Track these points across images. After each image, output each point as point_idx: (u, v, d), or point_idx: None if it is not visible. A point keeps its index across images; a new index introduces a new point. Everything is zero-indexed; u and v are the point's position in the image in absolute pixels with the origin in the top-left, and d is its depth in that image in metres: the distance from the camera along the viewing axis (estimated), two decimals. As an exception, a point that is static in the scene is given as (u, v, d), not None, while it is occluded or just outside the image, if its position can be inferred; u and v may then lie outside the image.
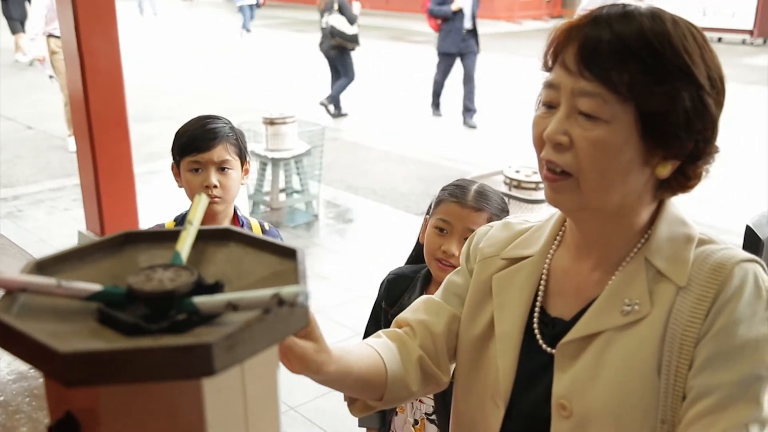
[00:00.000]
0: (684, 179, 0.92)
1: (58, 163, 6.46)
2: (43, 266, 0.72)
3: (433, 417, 1.76)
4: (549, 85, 0.91)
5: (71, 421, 0.64)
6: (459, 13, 7.89)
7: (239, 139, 1.90)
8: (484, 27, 16.65)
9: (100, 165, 3.99)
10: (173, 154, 1.89)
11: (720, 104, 0.90)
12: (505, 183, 3.60)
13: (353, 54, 8.51)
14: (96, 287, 0.66)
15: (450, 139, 7.77)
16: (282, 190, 5.21)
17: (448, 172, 6.08)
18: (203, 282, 0.69)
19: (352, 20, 8.29)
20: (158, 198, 5.35)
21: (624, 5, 0.89)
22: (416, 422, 1.79)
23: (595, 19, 0.88)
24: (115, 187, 4.08)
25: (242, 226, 1.94)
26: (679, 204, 0.98)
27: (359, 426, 1.94)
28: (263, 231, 1.99)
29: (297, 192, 5.26)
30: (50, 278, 0.66)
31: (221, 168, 1.83)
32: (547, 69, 0.93)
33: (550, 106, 0.91)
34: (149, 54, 12.71)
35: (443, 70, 8.35)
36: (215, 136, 1.82)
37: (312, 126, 5.35)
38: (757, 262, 0.90)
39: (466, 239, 1.63)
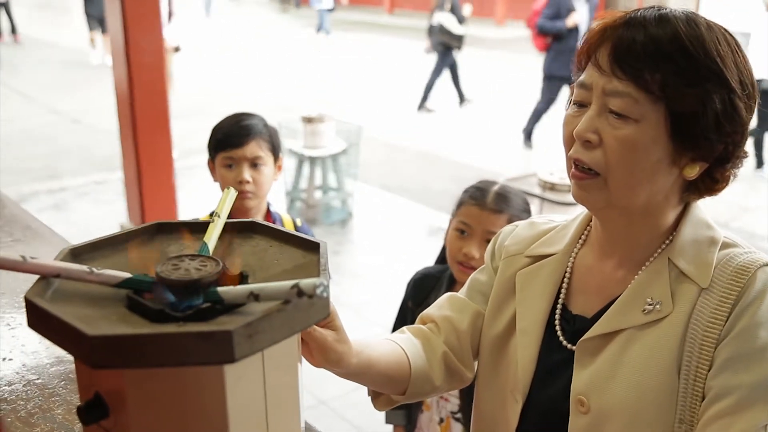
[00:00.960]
0: (711, 182, 0.92)
1: (103, 157, 6.63)
2: (77, 253, 0.75)
3: (459, 415, 1.76)
4: (581, 85, 0.92)
5: (100, 403, 0.67)
6: (574, 30, 6.76)
7: (272, 135, 1.94)
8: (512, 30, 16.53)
9: (143, 160, 4.09)
10: (209, 150, 1.94)
11: (751, 109, 0.89)
12: (539, 185, 3.57)
13: (456, 53, 8.81)
14: (125, 275, 0.69)
15: (485, 140, 7.74)
16: (318, 188, 5.26)
17: (482, 173, 6.06)
18: (228, 272, 0.71)
19: (461, 20, 8.56)
20: (197, 192, 5.44)
21: (659, 8, 0.89)
22: (442, 420, 1.80)
23: (629, 20, 0.88)
24: (156, 181, 4.18)
25: (274, 221, 1.97)
26: (704, 207, 0.97)
27: (386, 423, 1.96)
28: (296, 227, 2.03)
29: (333, 189, 5.31)
30: (83, 265, 0.69)
31: (254, 164, 1.87)
32: (580, 69, 0.94)
33: (581, 105, 0.92)
34: (197, 52, 12.93)
35: (548, 98, 7.08)
36: (248, 132, 1.87)
37: (349, 125, 5.39)
38: None
39: (487, 241, 1.63)
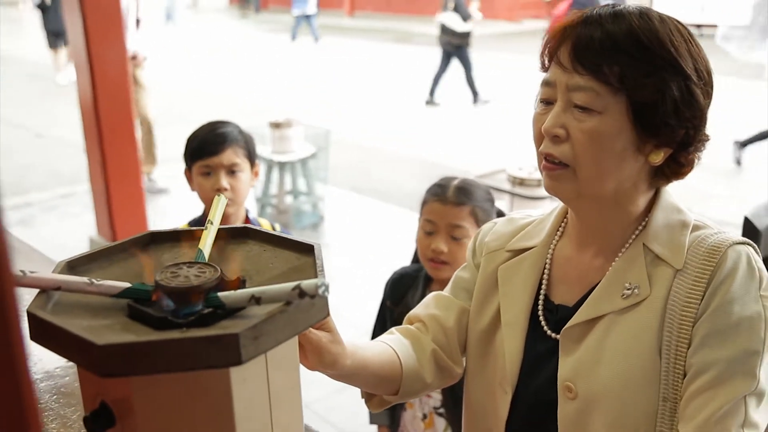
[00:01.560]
0: (677, 166, 0.96)
1: (69, 171, 6.52)
2: (73, 266, 0.76)
3: (442, 411, 1.79)
4: (546, 83, 0.96)
5: (106, 411, 0.68)
6: None
7: (248, 142, 1.95)
8: (485, 27, 16.66)
9: (110, 172, 4.04)
10: (185, 159, 1.94)
11: (708, 94, 0.94)
12: (509, 181, 3.63)
13: (468, 51, 9.00)
14: (125, 284, 0.70)
15: (453, 138, 7.80)
16: (288, 193, 5.25)
17: (451, 171, 6.11)
18: (226, 278, 0.73)
19: (465, 18, 8.76)
20: (167, 202, 5.39)
21: (614, 5, 0.94)
22: (425, 416, 1.83)
23: (586, 19, 0.92)
24: (124, 193, 4.13)
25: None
26: (674, 192, 1.02)
27: (370, 423, 1.98)
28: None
29: (303, 194, 5.31)
30: (82, 277, 0.70)
31: (231, 171, 1.88)
32: (544, 69, 0.98)
33: (547, 102, 0.96)
34: (161, 60, 12.79)
35: None
36: (224, 140, 1.88)
37: (318, 129, 5.39)
38: (749, 244, 0.94)
39: (452, 236, 1.68)
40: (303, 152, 5.08)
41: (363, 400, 1.14)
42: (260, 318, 0.64)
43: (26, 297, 0.70)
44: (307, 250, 0.78)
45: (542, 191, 3.66)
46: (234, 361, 0.61)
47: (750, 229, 2.07)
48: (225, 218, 1.89)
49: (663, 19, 0.92)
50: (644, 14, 0.92)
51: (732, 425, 0.87)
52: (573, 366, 0.98)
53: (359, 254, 4.78)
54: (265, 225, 2.04)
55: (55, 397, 1.07)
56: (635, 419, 0.93)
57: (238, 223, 1.95)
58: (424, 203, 1.76)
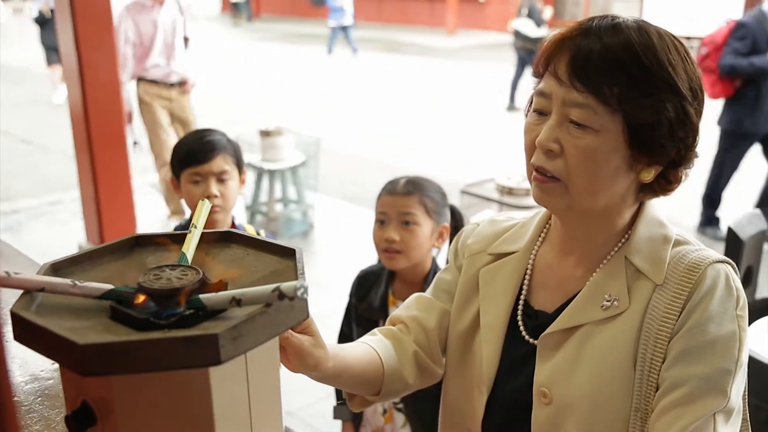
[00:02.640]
0: (665, 183, 0.97)
1: (57, 177, 6.51)
2: (57, 268, 0.77)
3: (401, 406, 1.84)
4: (540, 94, 0.95)
5: (87, 410, 0.69)
6: None
7: (236, 149, 1.98)
8: (474, 38, 16.71)
9: (100, 179, 4.05)
10: (172, 168, 1.96)
11: (700, 113, 0.95)
12: (497, 190, 3.65)
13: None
14: (108, 286, 0.71)
15: (443, 147, 7.84)
16: (279, 201, 5.26)
17: (440, 181, 6.14)
18: (208, 281, 0.74)
19: (539, 23, 9.10)
20: (156, 210, 5.39)
21: (612, 17, 0.93)
22: (385, 411, 1.88)
23: (585, 30, 0.92)
24: (114, 200, 4.13)
25: None
26: (657, 206, 1.03)
27: (334, 418, 2.01)
28: None
29: (293, 202, 5.32)
30: (65, 279, 0.71)
31: (220, 179, 1.91)
32: (538, 76, 0.97)
33: (540, 113, 0.95)
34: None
35: (732, 163, 4.94)
36: (213, 147, 1.90)
37: (308, 137, 5.41)
38: (728, 263, 0.95)
39: (403, 222, 1.77)
40: (293, 160, 5.09)
41: (342, 400, 1.15)
42: (240, 319, 0.65)
43: (11, 298, 0.71)
44: (288, 254, 0.80)
45: (530, 201, 3.70)
46: (213, 361, 0.63)
47: (733, 239, 2.11)
48: (213, 224, 1.91)
49: (661, 34, 0.92)
50: (642, 29, 0.91)
51: None
52: (549, 372, 0.99)
53: (348, 262, 4.79)
54: (249, 231, 2.06)
55: (39, 399, 1.07)
56: (607, 427, 0.95)
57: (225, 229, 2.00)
58: (378, 199, 1.85)
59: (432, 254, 1.86)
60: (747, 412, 1.01)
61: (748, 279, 2.01)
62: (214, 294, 0.69)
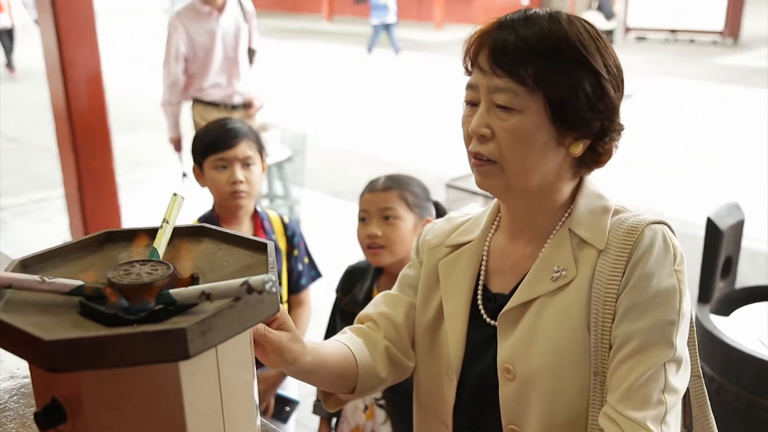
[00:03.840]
0: (596, 155, 1.03)
1: (42, 175, 6.46)
2: (27, 264, 0.77)
3: (382, 402, 1.85)
4: (469, 86, 1.02)
5: (57, 407, 0.68)
6: None
7: (257, 137, 2.02)
8: (461, 32, 16.72)
9: (84, 175, 4.02)
10: (194, 157, 1.99)
11: (618, 88, 1.01)
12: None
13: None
14: (77, 282, 0.71)
15: (430, 143, 7.84)
16: (265, 196, 5.25)
17: (428, 176, 6.15)
18: (179, 275, 0.74)
19: (608, 16, 8.99)
20: (143, 206, 5.36)
21: (526, 10, 1.00)
22: (366, 408, 1.89)
23: (500, 24, 0.98)
24: (98, 197, 4.11)
25: (261, 219, 2.06)
26: (598, 181, 1.08)
27: (312, 413, 2.01)
28: (283, 223, 2.11)
29: (280, 197, 5.30)
30: (34, 275, 0.71)
31: (245, 164, 1.94)
32: (468, 73, 1.03)
33: (472, 104, 1.02)
34: (135, 65, 12.70)
35: None
36: (237, 134, 1.94)
37: (294, 132, 5.40)
38: (664, 223, 1.00)
39: (384, 217, 1.78)
40: (279, 156, 5.08)
41: (320, 400, 1.17)
42: (208, 313, 0.65)
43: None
44: (260, 248, 0.80)
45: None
46: (182, 355, 0.63)
47: (713, 230, 2.12)
48: (238, 210, 1.96)
49: (571, 20, 0.99)
50: (553, 17, 0.98)
51: (653, 390, 0.93)
52: (510, 348, 1.03)
53: (335, 258, 4.78)
54: (272, 217, 2.10)
55: (15, 397, 1.07)
56: (570, 394, 0.99)
57: (247, 217, 2.05)
58: (360, 198, 1.86)
59: None
60: (700, 369, 1.08)
61: (728, 269, 2.03)
62: (183, 289, 0.69)
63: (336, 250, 4.92)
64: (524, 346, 1.02)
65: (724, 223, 1.97)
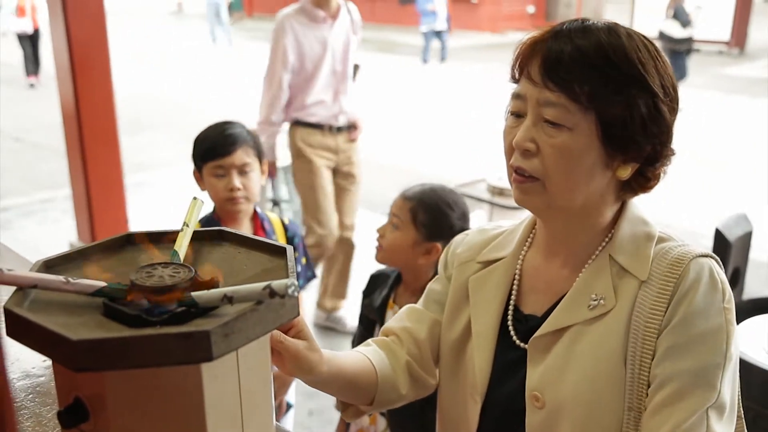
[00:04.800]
0: (644, 180, 0.98)
1: (47, 175, 6.48)
2: (50, 265, 0.78)
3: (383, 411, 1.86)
4: (516, 96, 0.97)
5: (80, 406, 0.69)
6: None
7: (256, 141, 2.02)
8: (467, 39, 16.72)
9: (92, 176, 4.04)
10: (194, 160, 2.01)
11: (674, 110, 0.96)
12: (488, 191, 3.67)
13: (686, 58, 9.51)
14: (101, 283, 0.72)
15: (439, 149, 7.85)
16: (270, 200, 5.26)
17: (437, 180, 6.14)
18: (199, 278, 0.75)
19: (684, 24, 9.35)
20: (148, 207, 5.38)
21: (583, 20, 0.95)
22: (369, 414, 1.89)
23: (556, 33, 0.94)
24: (106, 198, 4.13)
25: (261, 221, 2.07)
26: (640, 204, 1.04)
27: (336, 408, 2.02)
28: (283, 225, 2.13)
29: (285, 202, 5.31)
30: (59, 276, 0.72)
31: (242, 171, 1.95)
32: (515, 81, 0.99)
33: (518, 115, 0.97)
34: (137, 65, 12.74)
35: None
36: (234, 141, 1.94)
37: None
38: (711, 257, 0.95)
39: (392, 223, 1.85)
40: (284, 160, 5.08)
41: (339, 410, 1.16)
42: (231, 316, 0.66)
43: (3, 295, 0.72)
44: (279, 252, 0.81)
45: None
46: (205, 357, 0.63)
47: (721, 241, 2.13)
48: (236, 215, 1.97)
49: (630, 34, 0.94)
50: (612, 30, 0.93)
51: None
52: (540, 376, 0.99)
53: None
54: (273, 219, 2.12)
55: (30, 396, 1.08)
56: (601, 428, 0.94)
57: (247, 219, 2.06)
58: (393, 204, 1.93)
59: (430, 267, 1.86)
60: (741, 409, 1.01)
61: (735, 280, 2.03)
62: (206, 291, 0.70)
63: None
64: (555, 374, 0.97)
65: (732, 234, 1.98)
